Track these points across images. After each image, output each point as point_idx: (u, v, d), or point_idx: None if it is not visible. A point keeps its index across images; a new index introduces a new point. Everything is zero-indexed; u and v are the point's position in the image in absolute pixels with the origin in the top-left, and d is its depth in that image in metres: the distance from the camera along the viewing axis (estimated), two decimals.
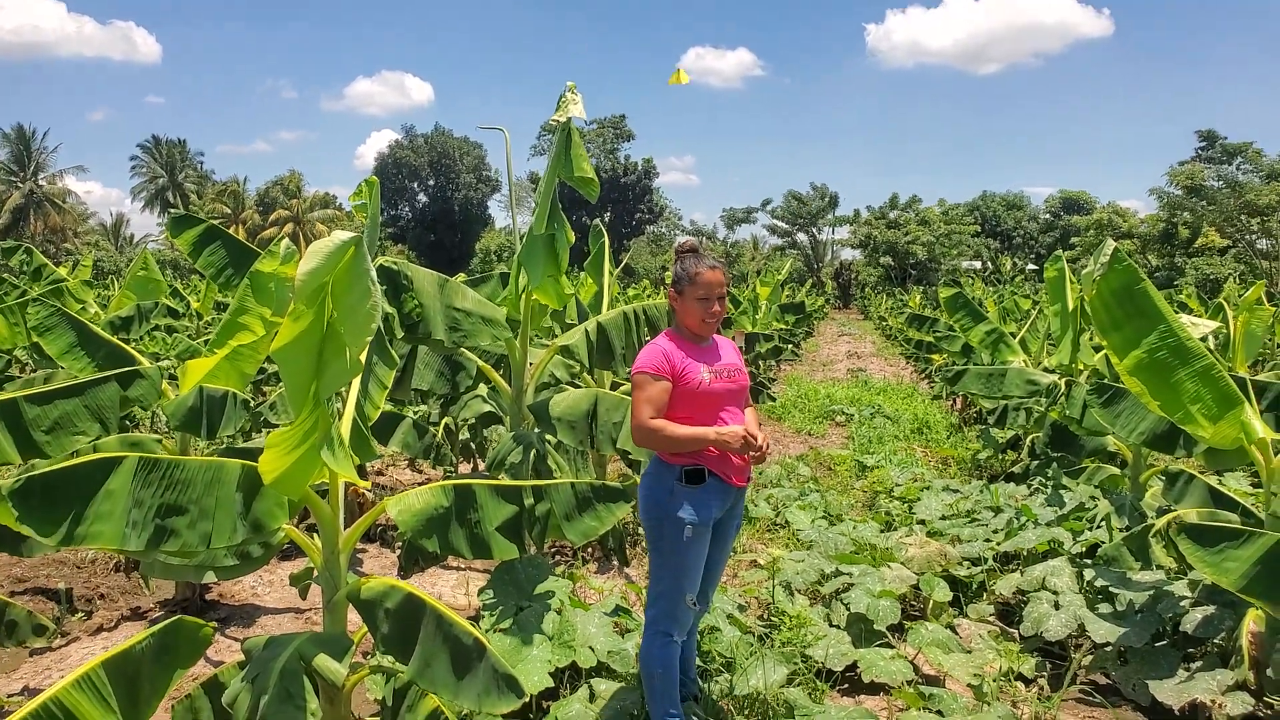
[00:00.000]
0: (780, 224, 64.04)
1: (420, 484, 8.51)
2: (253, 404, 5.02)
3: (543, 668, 3.54)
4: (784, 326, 16.93)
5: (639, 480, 3.55)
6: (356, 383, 3.26)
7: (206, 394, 4.57)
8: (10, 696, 3.69)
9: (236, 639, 4.54)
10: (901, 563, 4.89)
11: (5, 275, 9.21)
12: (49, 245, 51.49)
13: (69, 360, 4.74)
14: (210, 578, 3.10)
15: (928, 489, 6.77)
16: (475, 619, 4.60)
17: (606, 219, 60.23)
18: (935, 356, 14.43)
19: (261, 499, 2.69)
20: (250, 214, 56.08)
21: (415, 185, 66.76)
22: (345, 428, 3.07)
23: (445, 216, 65.24)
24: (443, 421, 7.33)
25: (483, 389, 6.00)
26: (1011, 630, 4.47)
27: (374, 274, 2.38)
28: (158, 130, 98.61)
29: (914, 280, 51.19)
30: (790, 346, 18.61)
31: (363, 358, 2.58)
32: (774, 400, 12.66)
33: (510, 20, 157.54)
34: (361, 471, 6.82)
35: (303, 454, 2.52)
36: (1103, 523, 4.96)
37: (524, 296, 4.33)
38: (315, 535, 2.94)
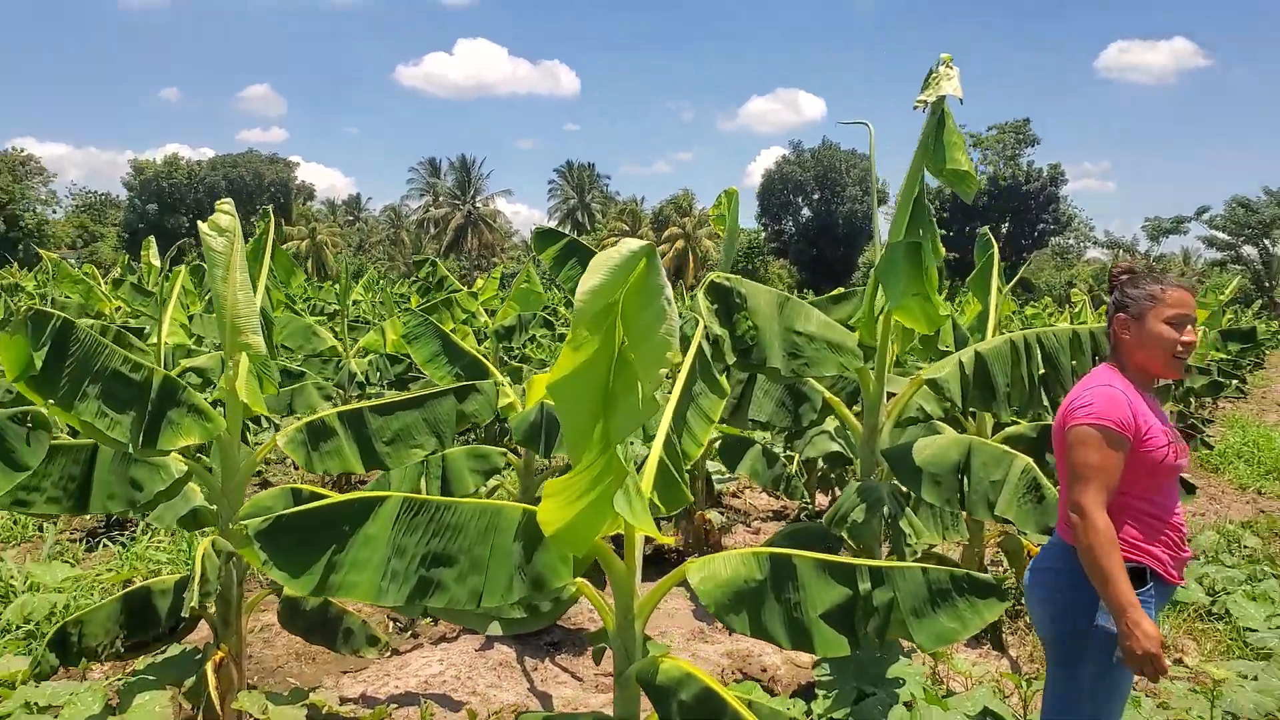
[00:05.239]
0: (1220, 235, 54.21)
1: (776, 511, 8.04)
2: None
3: None
4: (1226, 356, 14.05)
5: (1029, 565, 2.74)
6: (668, 416, 2.80)
7: (547, 411, 4.46)
8: (344, 702, 3.74)
9: (566, 668, 4.33)
10: None
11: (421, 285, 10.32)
12: (481, 259, 59.99)
13: (430, 368, 4.93)
14: (495, 630, 2.82)
15: None
16: (809, 689, 3.98)
17: (1004, 230, 55.74)
18: None
19: (545, 550, 2.32)
20: (646, 232, 60.24)
21: (800, 200, 67.13)
22: (649, 471, 2.62)
23: (828, 230, 64.71)
24: (796, 453, 6.75)
25: (832, 424, 5.24)
26: None
27: (669, 292, 1.90)
28: (573, 156, 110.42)
29: None
30: (1234, 382, 15.47)
31: (658, 394, 2.10)
32: (1210, 448, 10.41)
33: (905, 26, 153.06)
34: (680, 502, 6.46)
35: (587, 505, 2.10)
36: None
37: (881, 318, 3.59)
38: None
